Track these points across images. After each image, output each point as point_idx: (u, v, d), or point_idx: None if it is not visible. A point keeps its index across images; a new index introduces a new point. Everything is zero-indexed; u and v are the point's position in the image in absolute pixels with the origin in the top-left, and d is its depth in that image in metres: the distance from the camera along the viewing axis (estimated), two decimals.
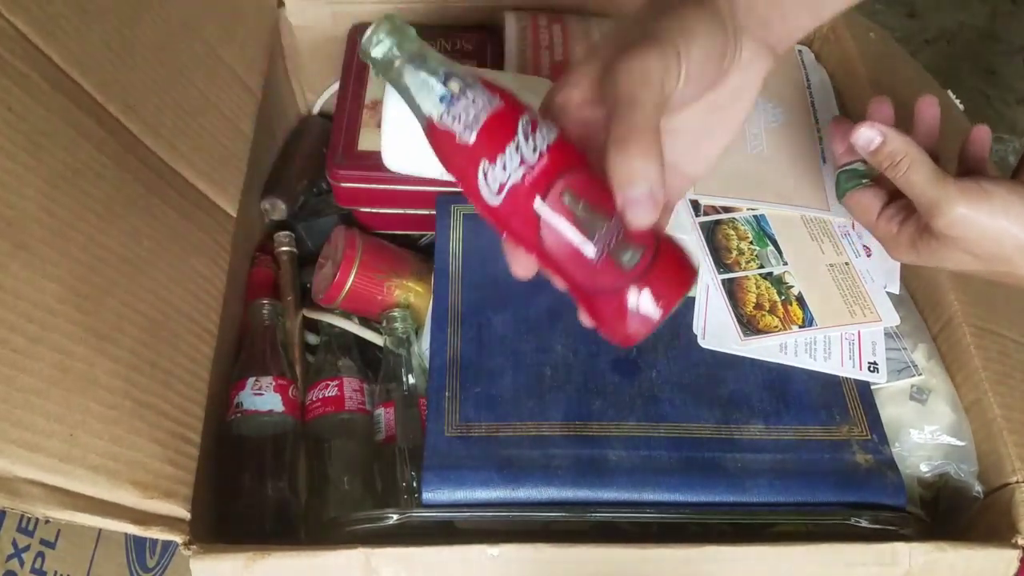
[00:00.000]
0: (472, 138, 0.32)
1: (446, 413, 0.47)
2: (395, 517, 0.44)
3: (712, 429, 0.48)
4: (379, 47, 0.34)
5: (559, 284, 0.35)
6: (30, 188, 0.39)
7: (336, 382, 0.54)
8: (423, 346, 0.56)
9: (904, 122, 0.48)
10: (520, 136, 0.32)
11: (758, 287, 0.54)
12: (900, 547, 0.43)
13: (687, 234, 0.56)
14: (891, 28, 1.39)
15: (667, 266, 0.33)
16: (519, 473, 0.45)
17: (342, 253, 0.57)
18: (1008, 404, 0.49)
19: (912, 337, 0.54)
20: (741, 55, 0.36)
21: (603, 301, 0.33)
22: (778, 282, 0.54)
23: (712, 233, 0.56)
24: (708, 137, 0.38)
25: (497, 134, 0.32)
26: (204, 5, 0.56)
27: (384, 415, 0.53)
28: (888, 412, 0.51)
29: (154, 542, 0.50)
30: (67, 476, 0.36)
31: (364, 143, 0.60)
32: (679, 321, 0.52)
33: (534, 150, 0.32)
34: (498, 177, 0.32)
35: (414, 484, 0.50)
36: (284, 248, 0.61)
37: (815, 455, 0.47)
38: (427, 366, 0.52)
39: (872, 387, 0.51)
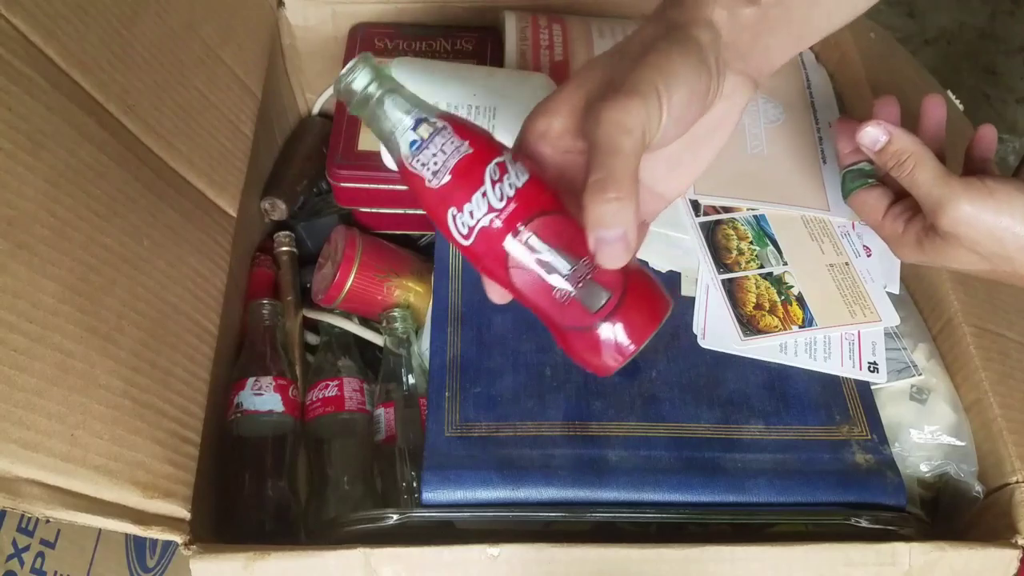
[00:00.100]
0: (439, 184, 0.33)
1: (446, 413, 0.47)
2: (395, 517, 0.44)
3: (712, 429, 0.48)
4: (356, 84, 0.34)
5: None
6: (31, 188, 0.39)
7: (336, 382, 0.54)
8: (423, 346, 0.56)
9: (908, 122, 0.48)
10: (487, 183, 0.32)
11: (758, 287, 0.54)
12: (900, 547, 0.43)
13: (687, 234, 0.56)
14: (891, 28, 1.38)
15: (637, 302, 0.33)
16: (519, 473, 0.45)
17: (342, 253, 0.57)
18: (1008, 404, 0.50)
19: (912, 337, 0.54)
20: (723, 87, 0.36)
21: (574, 337, 0.34)
22: (778, 282, 0.54)
23: (712, 233, 0.56)
24: (686, 163, 0.38)
25: (464, 181, 0.32)
26: (204, 5, 0.56)
27: (384, 415, 0.53)
28: (888, 412, 0.51)
29: (154, 542, 0.50)
30: (68, 476, 0.36)
31: (364, 143, 0.60)
32: (679, 321, 0.52)
33: (501, 197, 0.32)
34: (466, 222, 0.33)
35: (414, 484, 0.50)
36: (284, 248, 0.61)
37: (815, 455, 0.47)
38: (427, 366, 0.52)
39: (872, 387, 0.51)
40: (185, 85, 0.52)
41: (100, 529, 0.39)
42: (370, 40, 0.65)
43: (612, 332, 0.33)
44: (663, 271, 0.55)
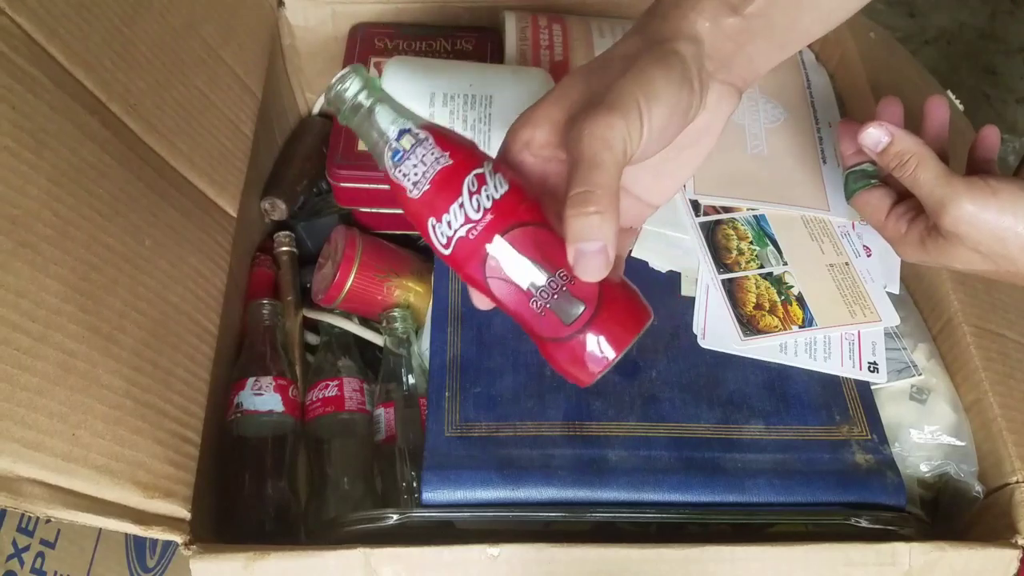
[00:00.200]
0: (420, 194, 0.33)
1: (446, 413, 0.47)
2: (395, 517, 0.44)
3: (712, 429, 0.48)
4: (346, 94, 0.35)
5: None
6: (34, 187, 0.39)
7: (336, 382, 0.54)
8: (423, 346, 0.56)
9: (911, 122, 0.48)
10: (465, 193, 0.33)
11: (758, 287, 0.54)
12: (900, 547, 0.43)
13: (687, 234, 0.56)
14: (891, 28, 1.39)
15: (613, 313, 0.33)
16: (519, 473, 0.45)
17: (342, 253, 0.57)
18: (1008, 404, 0.50)
19: (912, 337, 0.54)
20: (706, 99, 0.36)
21: (552, 347, 0.34)
22: (778, 282, 0.54)
23: (712, 233, 0.56)
24: (671, 171, 0.38)
25: (442, 192, 0.33)
26: (204, 5, 0.56)
27: (384, 415, 0.53)
28: (888, 412, 0.51)
29: (154, 542, 0.50)
30: (69, 475, 0.36)
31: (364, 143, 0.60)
32: (679, 321, 0.52)
33: (478, 208, 0.33)
34: (445, 232, 0.33)
35: (414, 484, 0.50)
36: (284, 248, 0.61)
37: (815, 455, 0.47)
38: (427, 366, 0.52)
39: (872, 387, 0.51)
40: (186, 84, 0.52)
41: (100, 529, 0.39)
42: (370, 40, 0.65)
43: (588, 343, 0.33)
44: (663, 271, 0.55)
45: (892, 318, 0.53)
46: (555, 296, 0.33)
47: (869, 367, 0.51)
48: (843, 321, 0.53)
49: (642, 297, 0.35)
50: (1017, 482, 0.47)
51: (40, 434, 0.36)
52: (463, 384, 0.48)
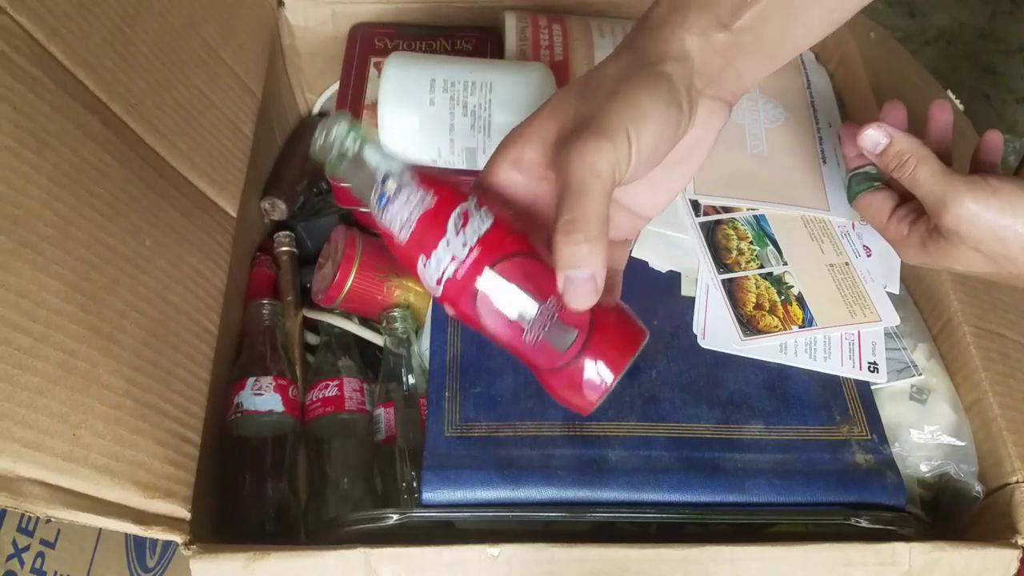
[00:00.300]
0: (407, 237, 0.34)
1: (446, 413, 0.47)
2: (395, 517, 0.44)
3: (712, 429, 0.48)
4: (333, 142, 0.35)
5: None
6: (35, 186, 0.39)
7: (336, 382, 0.54)
8: (423, 346, 0.56)
9: (914, 125, 0.48)
10: (451, 232, 0.33)
11: (758, 287, 0.54)
12: (900, 547, 0.43)
13: (687, 234, 0.56)
14: (891, 28, 1.39)
15: (607, 337, 0.33)
16: (519, 473, 0.45)
17: (342, 253, 0.57)
18: (1008, 404, 0.50)
19: (912, 337, 0.54)
20: (696, 116, 0.36)
21: (549, 376, 0.34)
22: (778, 282, 0.54)
23: (712, 233, 0.56)
24: (663, 184, 0.38)
25: (428, 233, 0.33)
26: (204, 5, 0.56)
27: (384, 415, 0.53)
28: (888, 412, 0.51)
29: (154, 542, 0.50)
30: (70, 475, 0.36)
31: None
32: (679, 321, 0.52)
33: (464, 245, 0.33)
34: (433, 271, 0.34)
35: (414, 484, 0.50)
36: (284, 248, 0.62)
37: (815, 455, 0.48)
38: (427, 366, 0.52)
39: (872, 387, 0.51)
40: (186, 84, 0.52)
41: (100, 529, 0.39)
42: (370, 40, 0.65)
43: (584, 370, 0.33)
44: (663, 271, 0.55)
45: (892, 318, 0.53)
46: (547, 325, 0.33)
47: (869, 367, 0.51)
48: (843, 321, 0.53)
49: (635, 317, 0.35)
50: (1017, 482, 0.47)
51: (40, 434, 0.36)
52: (463, 384, 0.48)
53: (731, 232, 0.56)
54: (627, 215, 0.39)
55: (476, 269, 0.33)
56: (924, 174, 0.44)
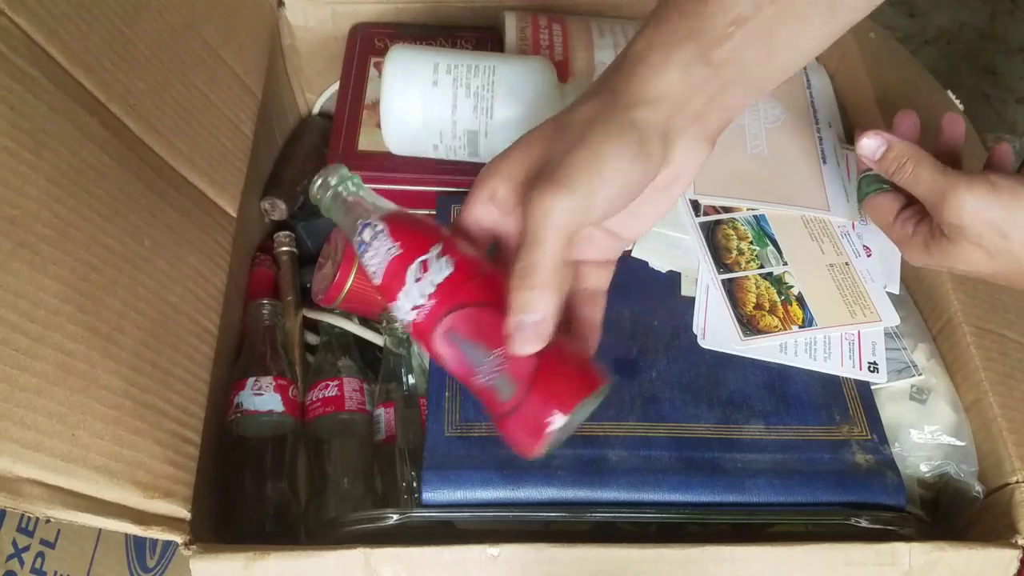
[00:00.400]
0: (378, 284, 0.36)
1: (446, 413, 0.47)
2: (395, 517, 0.44)
3: (712, 429, 0.48)
4: (328, 189, 0.38)
5: None
6: (33, 187, 0.39)
7: (336, 382, 0.54)
8: None
9: (927, 133, 0.49)
10: (410, 281, 0.35)
11: (758, 287, 0.54)
12: (900, 547, 0.43)
13: (687, 234, 0.56)
14: (891, 28, 1.39)
15: (552, 384, 0.33)
16: (519, 473, 0.45)
17: (342, 253, 0.57)
18: (1008, 404, 0.50)
19: (912, 337, 0.54)
20: (673, 156, 0.35)
21: (499, 421, 0.35)
22: (778, 282, 0.54)
23: (712, 233, 0.56)
24: (643, 213, 0.38)
25: (393, 281, 0.35)
26: (204, 5, 0.56)
27: (384, 415, 0.53)
28: (888, 412, 0.51)
29: (154, 542, 0.50)
30: (69, 476, 0.36)
31: (364, 143, 0.60)
32: (679, 321, 0.52)
33: (421, 295, 0.35)
34: (398, 315, 0.36)
35: (414, 484, 0.50)
36: (284, 248, 0.62)
37: (815, 455, 0.47)
38: (427, 366, 0.52)
39: (872, 387, 0.51)
40: (186, 84, 0.52)
41: (100, 529, 0.39)
42: (370, 40, 0.65)
43: (527, 416, 0.33)
44: (663, 271, 0.55)
45: (892, 318, 0.53)
46: (495, 371, 0.34)
47: (869, 367, 0.51)
48: (843, 321, 0.53)
49: (592, 365, 0.35)
50: (1017, 482, 0.47)
51: (39, 434, 0.36)
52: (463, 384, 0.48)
53: (731, 232, 0.56)
54: (608, 237, 0.39)
55: (431, 318, 0.35)
56: (923, 173, 0.45)
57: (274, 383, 0.52)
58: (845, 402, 0.50)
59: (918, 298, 0.57)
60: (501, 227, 0.37)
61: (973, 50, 1.54)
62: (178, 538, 0.40)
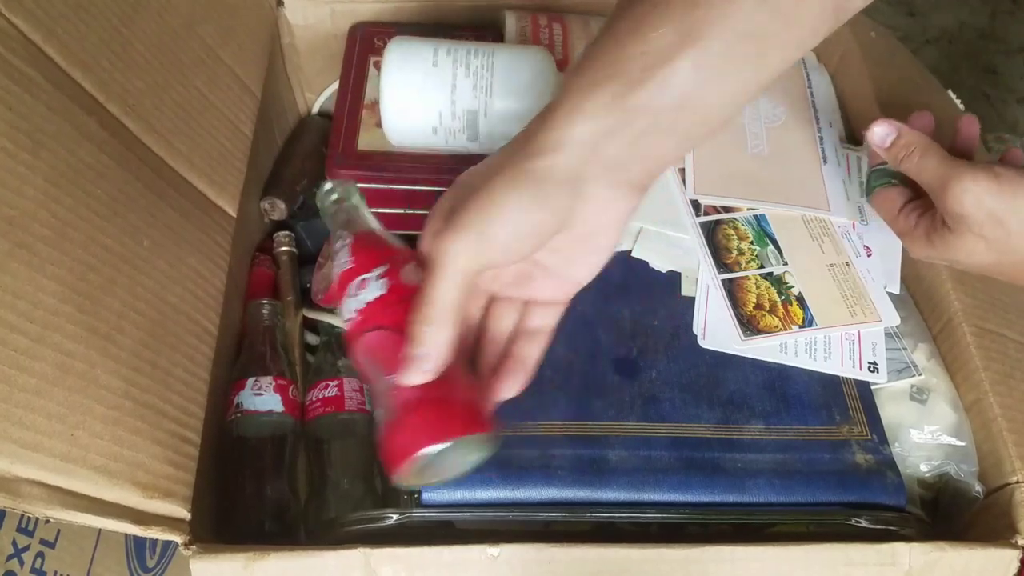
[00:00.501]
0: (333, 290, 0.39)
1: None
2: (395, 517, 0.44)
3: (712, 429, 0.48)
4: (333, 198, 0.43)
5: None
6: (31, 187, 0.39)
7: (336, 382, 0.54)
8: None
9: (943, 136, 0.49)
10: (349, 294, 0.38)
11: (758, 287, 0.54)
12: (900, 547, 0.43)
13: (687, 234, 0.56)
14: (891, 28, 1.38)
15: (425, 419, 0.35)
16: (519, 473, 0.45)
17: None
18: (1008, 404, 0.50)
19: (912, 337, 0.54)
20: (587, 203, 0.35)
21: (382, 437, 0.36)
22: (778, 282, 0.54)
23: (712, 233, 0.56)
24: (583, 258, 0.38)
25: (339, 291, 0.39)
26: (203, 4, 0.56)
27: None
28: (888, 412, 0.51)
29: (154, 542, 0.50)
30: (68, 476, 0.36)
31: (364, 143, 0.60)
32: (679, 321, 0.52)
33: (353, 309, 0.38)
34: (342, 322, 0.39)
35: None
36: (284, 248, 0.61)
37: (815, 455, 0.47)
38: None
39: (872, 387, 0.51)
40: (185, 85, 0.52)
41: (100, 529, 0.39)
42: (369, 39, 0.65)
43: (396, 441, 0.35)
44: (663, 271, 0.55)
45: (892, 318, 0.53)
46: (387, 392, 0.36)
47: (869, 367, 0.51)
48: (843, 321, 0.53)
49: (477, 411, 0.36)
50: (1017, 482, 0.47)
51: (39, 435, 0.36)
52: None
53: (731, 232, 0.56)
54: (553, 280, 0.39)
55: (354, 332, 0.38)
56: (929, 161, 0.45)
57: (274, 383, 0.52)
58: (845, 402, 0.50)
59: (918, 298, 0.57)
60: None
61: (973, 50, 1.54)
62: (178, 538, 0.40)
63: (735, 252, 0.55)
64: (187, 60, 0.53)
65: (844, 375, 0.51)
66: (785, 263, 0.55)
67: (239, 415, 0.51)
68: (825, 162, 0.60)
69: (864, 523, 0.45)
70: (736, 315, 0.52)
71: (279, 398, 0.52)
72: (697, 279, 0.54)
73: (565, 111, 0.34)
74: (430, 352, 0.34)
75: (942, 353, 0.54)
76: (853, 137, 0.64)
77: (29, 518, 0.46)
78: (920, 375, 0.52)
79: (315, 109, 0.73)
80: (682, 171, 0.59)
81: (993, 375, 0.50)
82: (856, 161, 0.61)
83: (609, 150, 0.34)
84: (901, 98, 0.51)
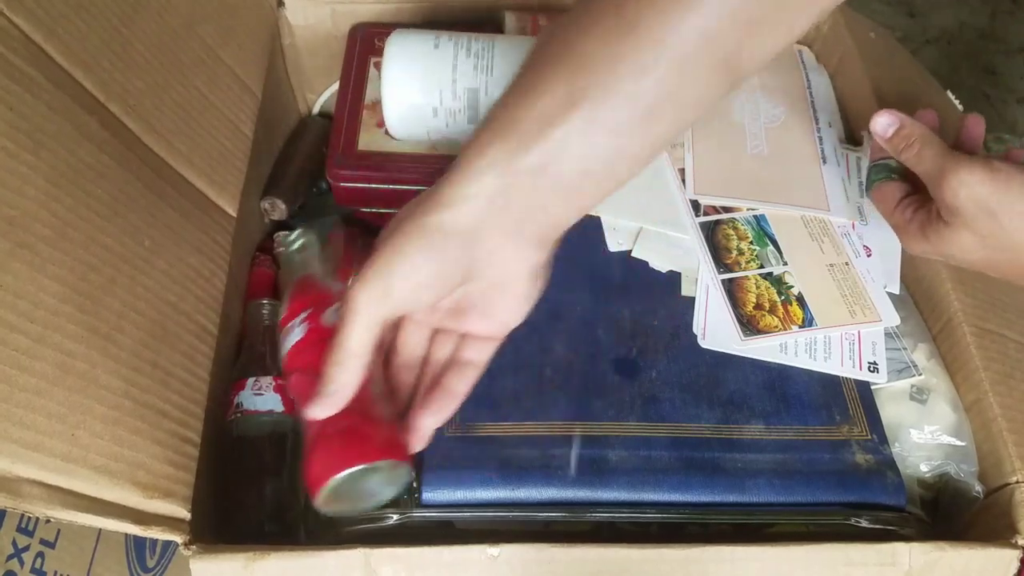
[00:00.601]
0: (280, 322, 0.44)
1: None
2: (395, 517, 0.44)
3: (712, 429, 0.48)
4: (296, 246, 0.49)
5: None
6: (32, 187, 0.39)
7: None
8: None
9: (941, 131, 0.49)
10: (280, 340, 0.43)
11: (758, 287, 0.54)
12: (900, 547, 0.43)
13: (687, 234, 0.56)
14: (891, 28, 1.38)
15: (328, 449, 0.37)
16: (519, 473, 0.45)
17: (342, 253, 0.57)
18: (1008, 404, 0.50)
19: (912, 337, 0.54)
20: (485, 257, 0.36)
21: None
22: (778, 282, 0.54)
23: (712, 233, 0.56)
24: (502, 302, 0.39)
25: (281, 334, 0.43)
26: (203, 4, 0.56)
27: None
28: (888, 412, 0.51)
29: (154, 542, 0.50)
30: (68, 476, 0.36)
31: (364, 143, 0.60)
32: (679, 321, 0.52)
33: (283, 352, 0.42)
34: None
35: (414, 484, 0.50)
36: (284, 248, 0.61)
37: (815, 455, 0.47)
38: None
39: (872, 387, 0.51)
40: (185, 85, 0.52)
41: (100, 529, 0.39)
42: (370, 40, 0.65)
43: (310, 469, 0.37)
44: (663, 271, 0.55)
45: (892, 318, 0.53)
46: (306, 424, 0.38)
47: (869, 367, 0.51)
48: (843, 321, 0.53)
49: (393, 441, 0.38)
50: (1017, 482, 0.47)
51: (39, 435, 0.36)
52: None
53: (731, 232, 0.56)
54: (486, 319, 0.39)
55: (284, 371, 0.42)
56: (928, 152, 0.46)
57: (274, 383, 0.52)
58: (845, 402, 0.50)
59: (918, 298, 0.57)
60: None
61: (973, 50, 1.54)
62: (178, 538, 0.40)
63: (735, 252, 0.55)
64: (187, 60, 0.53)
65: (844, 375, 0.51)
66: (785, 263, 0.55)
67: (239, 415, 0.51)
68: (824, 162, 0.60)
69: (864, 523, 0.45)
70: (736, 315, 0.52)
71: (279, 398, 0.52)
72: (697, 279, 0.54)
73: (463, 169, 0.35)
74: (336, 390, 0.36)
75: (942, 353, 0.54)
76: (852, 137, 0.64)
77: (29, 518, 0.46)
78: (920, 375, 0.52)
79: (315, 109, 0.73)
80: (682, 171, 0.59)
81: (993, 375, 0.50)
82: (855, 161, 0.61)
83: (504, 208, 0.35)
84: (901, 98, 0.51)
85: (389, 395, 0.40)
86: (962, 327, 0.52)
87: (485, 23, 0.69)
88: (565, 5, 0.69)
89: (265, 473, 0.50)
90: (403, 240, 0.35)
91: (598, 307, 0.53)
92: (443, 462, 0.45)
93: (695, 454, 0.47)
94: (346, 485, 0.37)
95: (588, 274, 0.54)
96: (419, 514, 0.44)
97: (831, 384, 0.51)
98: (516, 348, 0.50)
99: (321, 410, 0.36)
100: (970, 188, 0.43)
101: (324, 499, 0.37)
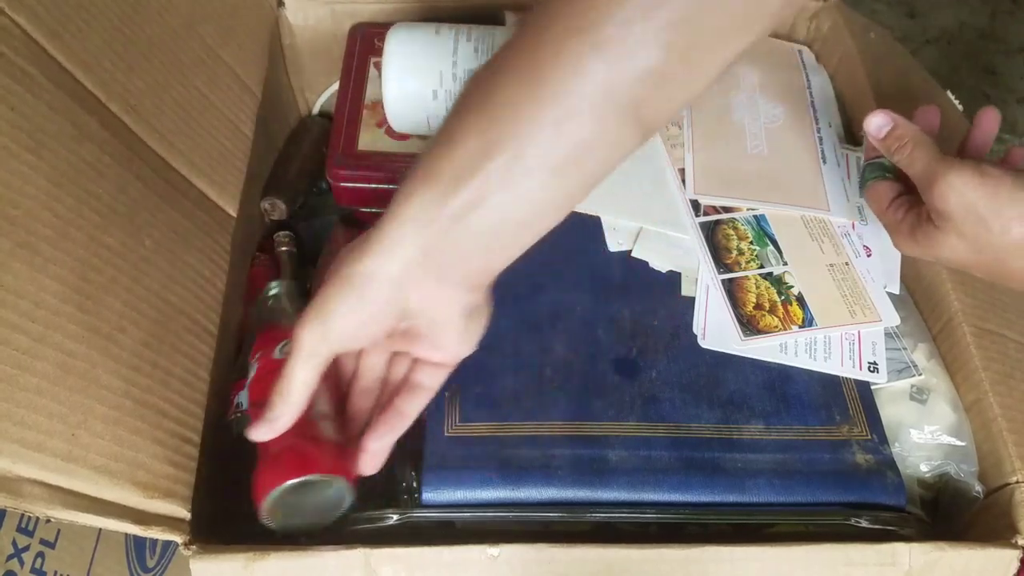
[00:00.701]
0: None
1: (446, 413, 0.47)
2: (395, 517, 0.44)
3: (712, 429, 0.48)
4: (272, 293, 0.54)
5: None
6: (33, 187, 0.39)
7: None
8: None
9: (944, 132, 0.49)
10: (250, 365, 0.47)
11: (758, 287, 0.54)
12: (900, 547, 0.43)
13: (687, 234, 0.56)
14: (891, 28, 1.38)
15: (272, 467, 0.39)
16: (519, 473, 0.45)
17: None
18: (1008, 404, 0.50)
19: (912, 337, 0.54)
20: (414, 302, 0.36)
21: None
22: (778, 282, 0.54)
23: (712, 233, 0.56)
24: (444, 338, 0.39)
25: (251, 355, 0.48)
26: (203, 5, 0.56)
27: None
28: (888, 412, 0.51)
29: (154, 542, 0.50)
30: (69, 476, 0.36)
31: (364, 143, 0.60)
32: (679, 321, 0.52)
33: (247, 382, 0.46)
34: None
35: (414, 484, 0.50)
36: (284, 248, 0.61)
37: (815, 455, 0.47)
38: None
39: (872, 387, 0.51)
40: (185, 85, 0.52)
41: (100, 529, 0.39)
42: (370, 40, 0.65)
43: (255, 484, 0.39)
44: (663, 271, 0.55)
45: (892, 318, 0.53)
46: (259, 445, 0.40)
47: (869, 367, 0.51)
48: (843, 321, 0.53)
49: (334, 458, 0.39)
50: (1017, 482, 0.47)
51: (39, 434, 0.36)
52: (463, 384, 0.48)
53: (731, 232, 0.56)
54: (437, 348, 0.40)
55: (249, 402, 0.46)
56: (920, 154, 0.46)
57: None
58: (845, 402, 0.50)
59: (918, 298, 0.57)
60: None
61: (973, 50, 1.54)
62: (178, 538, 0.40)
63: (735, 252, 0.55)
64: (187, 60, 0.53)
65: (844, 375, 0.51)
66: (785, 263, 0.55)
67: (239, 415, 0.51)
68: (824, 162, 0.60)
69: (864, 523, 0.45)
70: (736, 315, 0.52)
71: None
72: (697, 279, 0.54)
73: (392, 215, 0.35)
74: (278, 416, 0.38)
75: (942, 353, 0.54)
76: (852, 137, 0.64)
77: (29, 518, 0.46)
78: (920, 375, 0.52)
79: (315, 109, 0.73)
80: (682, 171, 0.59)
81: (993, 375, 0.50)
82: (856, 161, 0.61)
83: (428, 255, 0.35)
84: (900, 99, 0.51)
85: (347, 420, 0.42)
86: (962, 327, 0.52)
87: (485, 23, 0.69)
88: None
89: None
90: (339, 285, 0.36)
91: (598, 307, 0.53)
92: (443, 462, 0.45)
93: (695, 454, 0.47)
94: (286, 498, 0.38)
95: (588, 274, 0.54)
96: (419, 514, 0.44)
97: (831, 384, 0.51)
98: (516, 348, 0.50)
99: (263, 433, 0.38)
100: (960, 193, 0.43)
101: (267, 512, 0.38)
